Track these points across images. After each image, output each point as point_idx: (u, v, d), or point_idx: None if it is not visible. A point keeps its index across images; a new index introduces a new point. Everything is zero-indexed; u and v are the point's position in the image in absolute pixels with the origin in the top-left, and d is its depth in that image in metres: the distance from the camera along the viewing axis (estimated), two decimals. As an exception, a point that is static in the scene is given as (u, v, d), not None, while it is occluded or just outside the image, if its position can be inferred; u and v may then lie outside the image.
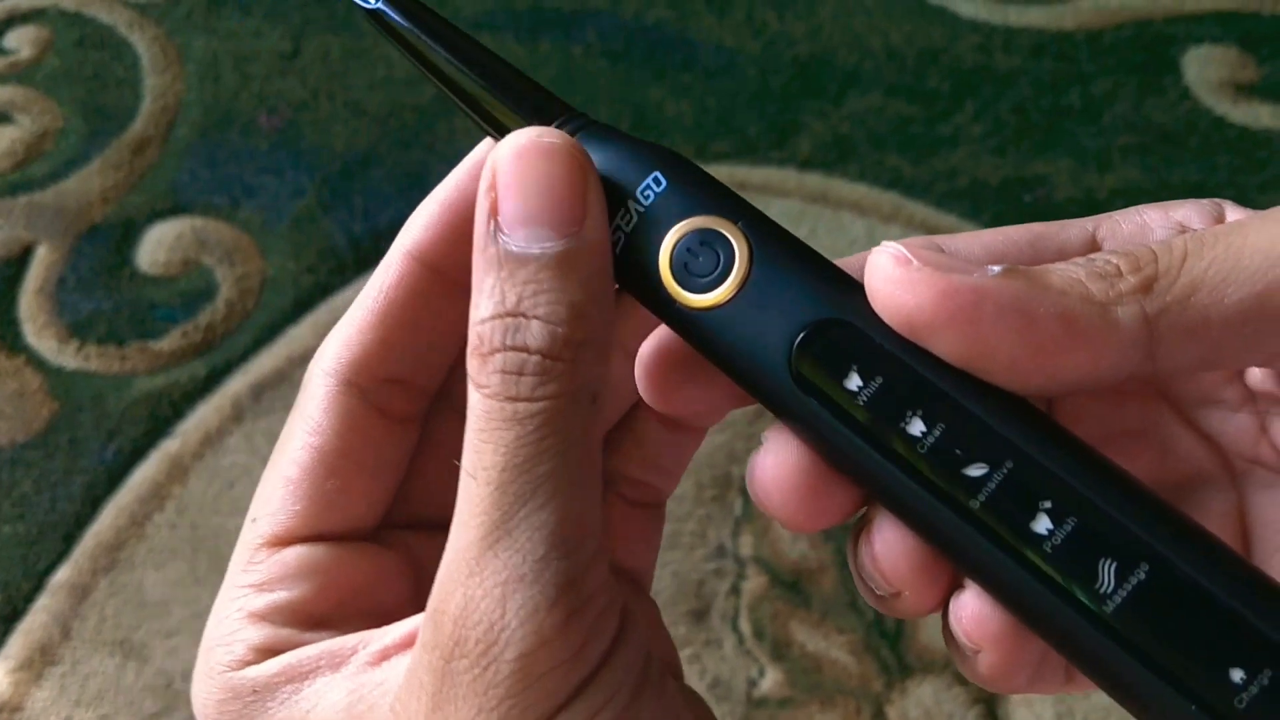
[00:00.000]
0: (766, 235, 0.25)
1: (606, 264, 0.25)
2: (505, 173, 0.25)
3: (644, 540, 0.33)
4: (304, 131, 1.05)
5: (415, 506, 0.32)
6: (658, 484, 0.33)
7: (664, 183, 0.26)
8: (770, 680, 0.76)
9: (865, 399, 0.23)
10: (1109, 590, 0.21)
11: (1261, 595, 0.21)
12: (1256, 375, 0.27)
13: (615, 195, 0.26)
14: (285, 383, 0.89)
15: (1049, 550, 0.21)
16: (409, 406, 0.31)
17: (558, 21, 1.13)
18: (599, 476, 0.26)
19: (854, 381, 0.23)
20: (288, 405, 0.89)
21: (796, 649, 0.77)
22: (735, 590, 0.79)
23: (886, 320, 0.24)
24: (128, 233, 0.98)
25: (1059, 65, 1.09)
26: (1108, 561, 0.21)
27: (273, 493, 0.30)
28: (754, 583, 0.79)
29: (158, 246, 0.97)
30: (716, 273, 0.25)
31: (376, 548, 0.31)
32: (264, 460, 0.85)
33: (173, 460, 0.86)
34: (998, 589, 0.23)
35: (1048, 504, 0.22)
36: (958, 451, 0.22)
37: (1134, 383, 0.24)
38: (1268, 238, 0.22)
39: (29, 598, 0.80)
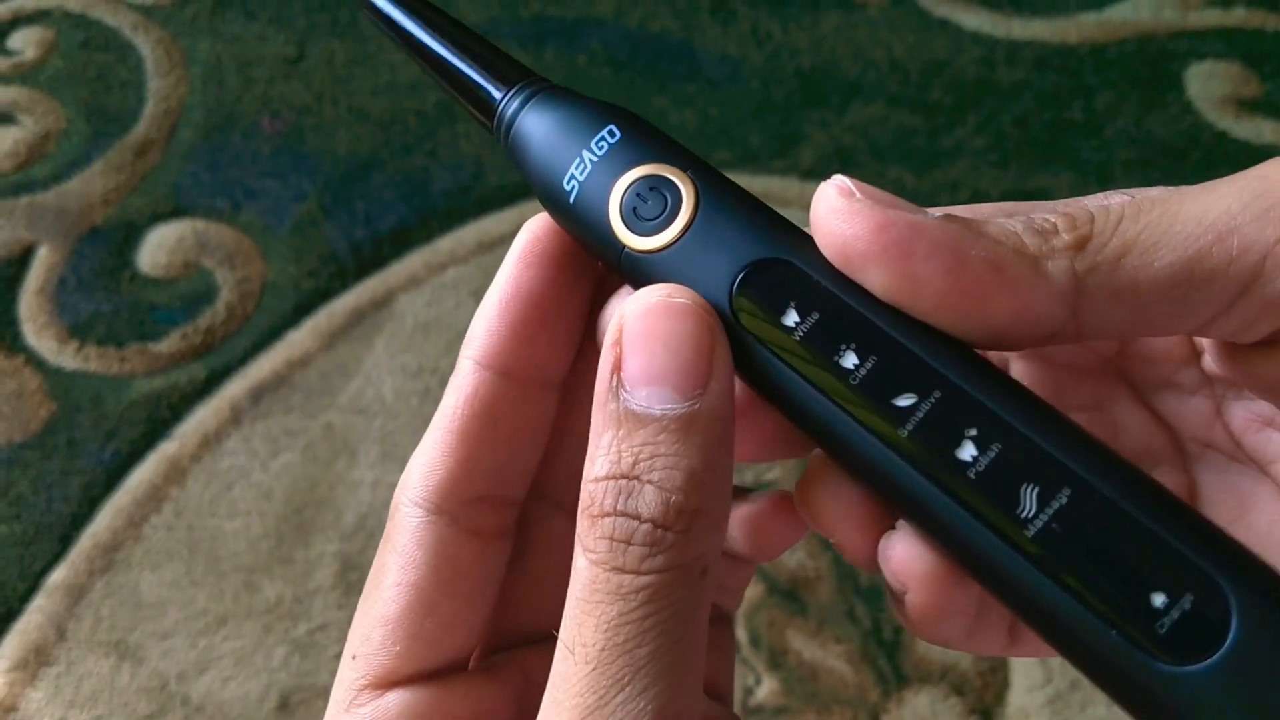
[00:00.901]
0: (713, 182, 0.26)
1: (729, 432, 0.24)
2: (632, 329, 0.24)
3: (722, 654, 0.33)
4: (306, 136, 1.05)
5: (515, 620, 0.32)
6: (727, 605, 0.34)
7: (618, 134, 0.26)
8: (767, 689, 0.76)
9: (801, 334, 0.24)
10: (1030, 515, 0.21)
11: (1183, 521, 0.21)
12: (1212, 360, 0.27)
13: (570, 147, 0.27)
14: (284, 386, 0.89)
15: (973, 477, 0.22)
16: (500, 522, 0.30)
17: (561, 30, 1.13)
18: (703, 656, 0.24)
19: (791, 317, 0.24)
20: (286, 408, 0.89)
21: (793, 658, 0.77)
22: (732, 599, 0.78)
23: (824, 249, 0.24)
24: (129, 234, 0.98)
25: (1062, 79, 1.09)
26: (1030, 487, 0.22)
27: (371, 631, 0.29)
28: (751, 591, 0.79)
29: (158, 249, 0.97)
30: (663, 216, 0.26)
31: (479, 679, 0.30)
32: (262, 463, 0.85)
33: (170, 462, 0.86)
34: (924, 520, 0.23)
35: (973, 432, 0.22)
36: (888, 383, 0.23)
37: (1062, 342, 0.24)
38: (1202, 206, 0.23)
39: (24, 598, 0.80)
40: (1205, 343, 0.28)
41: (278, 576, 0.81)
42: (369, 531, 0.83)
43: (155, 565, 0.81)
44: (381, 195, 1.01)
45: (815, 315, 0.24)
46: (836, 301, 0.24)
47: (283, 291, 0.95)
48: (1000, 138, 1.05)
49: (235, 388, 0.89)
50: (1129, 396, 0.29)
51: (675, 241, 0.26)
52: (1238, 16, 1.13)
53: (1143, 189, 0.24)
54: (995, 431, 0.22)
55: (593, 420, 0.25)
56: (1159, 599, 0.20)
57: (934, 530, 0.23)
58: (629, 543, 0.23)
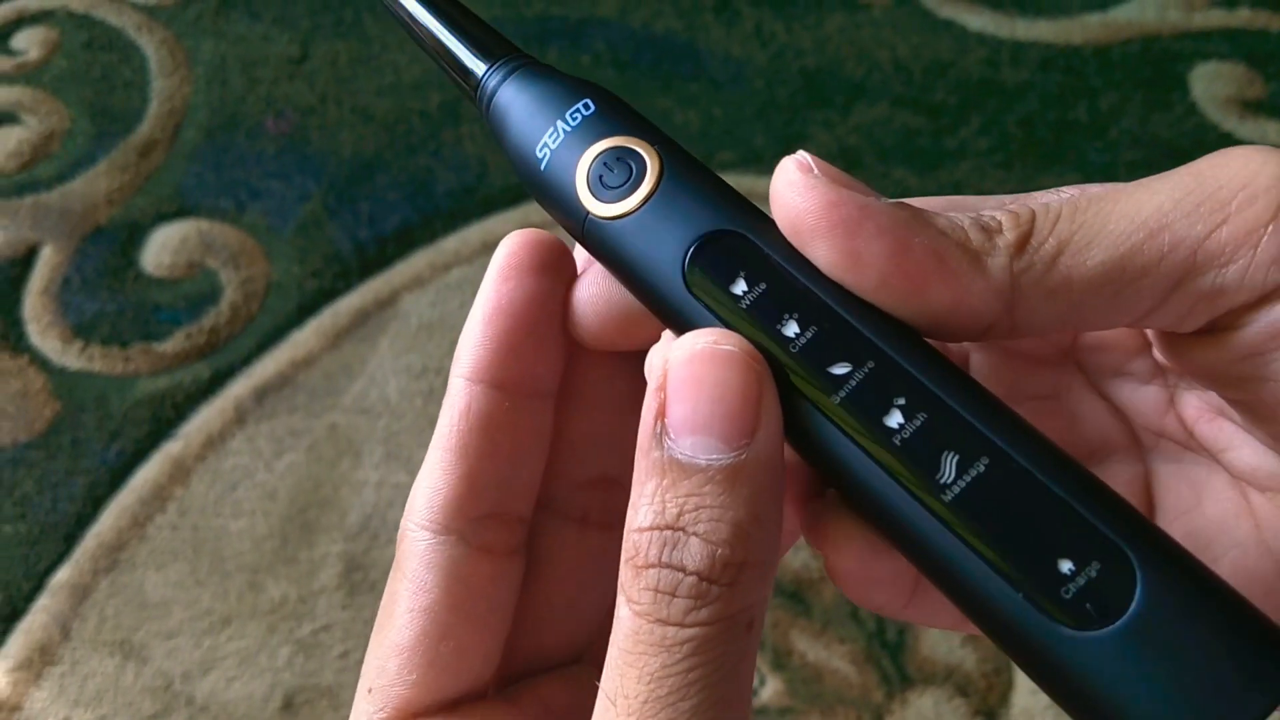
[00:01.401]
0: (679, 158, 0.27)
1: (777, 483, 0.24)
2: (677, 375, 0.24)
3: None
4: (310, 136, 1.05)
5: (531, 641, 0.31)
6: None
7: (592, 108, 0.27)
8: (771, 689, 0.76)
9: (748, 303, 0.25)
10: (949, 481, 0.22)
11: (1094, 493, 0.22)
12: (1155, 349, 0.28)
13: (546, 117, 0.28)
14: (288, 386, 0.89)
15: (898, 443, 0.23)
16: (510, 539, 0.30)
17: (565, 30, 1.13)
18: (748, 710, 0.24)
19: (739, 287, 0.25)
20: (290, 408, 0.89)
21: (797, 658, 0.77)
22: (736, 600, 0.78)
23: (778, 220, 0.25)
24: (133, 234, 0.98)
25: (1066, 80, 1.09)
26: (951, 455, 0.22)
27: (386, 662, 0.29)
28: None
29: (163, 249, 0.97)
30: (627, 184, 0.26)
31: (499, 709, 0.30)
32: (266, 463, 0.85)
33: (175, 462, 0.86)
34: (849, 484, 0.24)
35: (901, 400, 0.23)
36: (825, 352, 0.24)
37: (999, 337, 0.25)
38: (1135, 204, 0.23)
39: (29, 597, 0.80)
40: (1149, 333, 0.28)
41: (282, 576, 0.81)
42: (373, 532, 0.83)
43: (160, 565, 0.81)
44: (385, 195, 1.01)
45: (762, 286, 0.25)
46: (783, 274, 0.25)
47: (287, 291, 0.95)
48: (1004, 139, 1.05)
49: (239, 388, 0.89)
50: (1085, 386, 0.30)
51: (636, 209, 0.26)
52: (1242, 17, 1.13)
53: (1087, 185, 0.25)
54: (922, 402, 0.23)
55: (635, 466, 0.24)
56: (1066, 565, 0.21)
57: (858, 494, 0.24)
58: (674, 595, 0.23)
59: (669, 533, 0.23)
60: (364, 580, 0.81)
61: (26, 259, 0.97)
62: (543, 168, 0.28)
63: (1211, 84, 1.08)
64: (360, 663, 0.80)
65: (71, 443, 0.87)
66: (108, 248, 0.97)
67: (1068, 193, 0.25)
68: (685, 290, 0.26)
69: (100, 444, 0.87)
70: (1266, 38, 1.12)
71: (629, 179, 0.27)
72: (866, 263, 0.24)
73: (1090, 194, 0.24)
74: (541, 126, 0.28)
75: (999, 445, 0.22)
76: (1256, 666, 0.20)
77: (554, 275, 0.29)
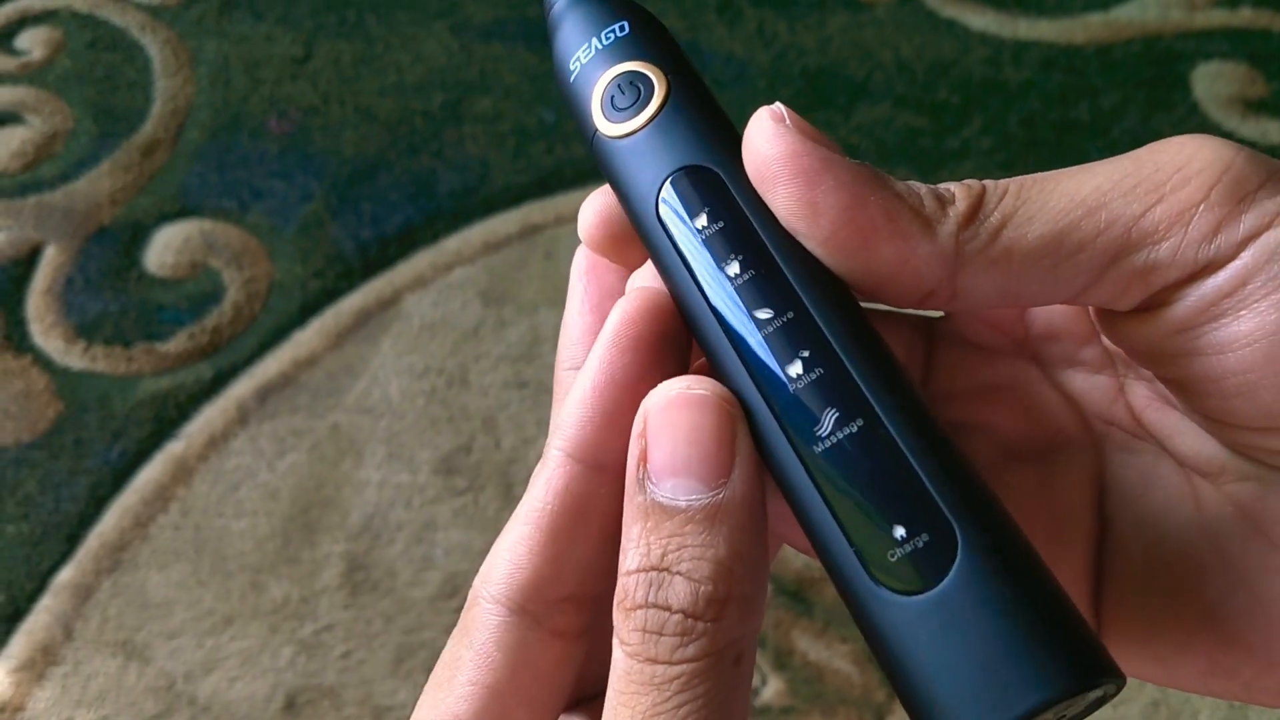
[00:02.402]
0: (688, 93, 0.28)
1: (756, 518, 0.25)
2: (655, 421, 0.25)
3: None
4: (313, 136, 1.05)
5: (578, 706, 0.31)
6: None
7: (626, 30, 0.29)
8: (772, 689, 0.76)
9: (703, 237, 0.26)
10: (824, 434, 0.24)
11: (948, 469, 0.23)
12: (1096, 327, 0.29)
13: (585, 33, 0.29)
14: (290, 386, 0.90)
15: (792, 391, 0.24)
16: (582, 621, 0.29)
17: (568, 30, 1.13)
18: None
19: (701, 221, 0.26)
20: (292, 408, 0.89)
21: (799, 658, 0.77)
22: (738, 599, 0.79)
23: (745, 165, 0.26)
24: (136, 234, 0.98)
25: (1068, 79, 1.09)
26: (832, 411, 0.24)
27: None
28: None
29: (165, 249, 0.97)
30: (632, 108, 0.28)
31: None
32: (269, 463, 0.85)
33: (177, 462, 0.86)
34: (749, 419, 0.25)
35: (805, 353, 0.24)
36: (756, 296, 0.25)
37: (938, 305, 0.26)
38: (1077, 183, 0.25)
39: (32, 598, 0.80)
40: (1092, 313, 0.29)
41: (284, 576, 0.81)
42: (375, 532, 0.83)
43: (162, 565, 0.81)
44: (388, 196, 1.01)
45: (720, 224, 0.26)
46: (741, 217, 0.26)
47: (289, 292, 0.95)
48: (1007, 138, 1.05)
49: (242, 388, 0.90)
50: (1040, 377, 0.31)
51: (634, 133, 0.28)
52: (1244, 16, 1.13)
53: (1040, 173, 0.26)
54: (822, 359, 0.24)
55: (624, 512, 0.25)
56: (900, 532, 0.23)
57: (755, 431, 0.25)
58: (660, 634, 0.24)
59: (654, 574, 0.24)
60: (366, 580, 0.81)
61: (30, 259, 0.97)
62: (571, 80, 0.29)
63: (1213, 84, 1.08)
64: (362, 663, 0.80)
65: (74, 443, 0.87)
66: (111, 248, 0.97)
67: (1018, 177, 0.26)
68: (655, 215, 0.27)
69: (103, 444, 0.87)
70: (1269, 37, 1.11)
71: (635, 102, 0.28)
72: (821, 213, 0.25)
73: (1038, 175, 0.25)
74: (579, 41, 0.29)
75: (875, 411, 0.24)
76: (1046, 661, 0.21)
77: (669, 346, 0.28)
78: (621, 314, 0.27)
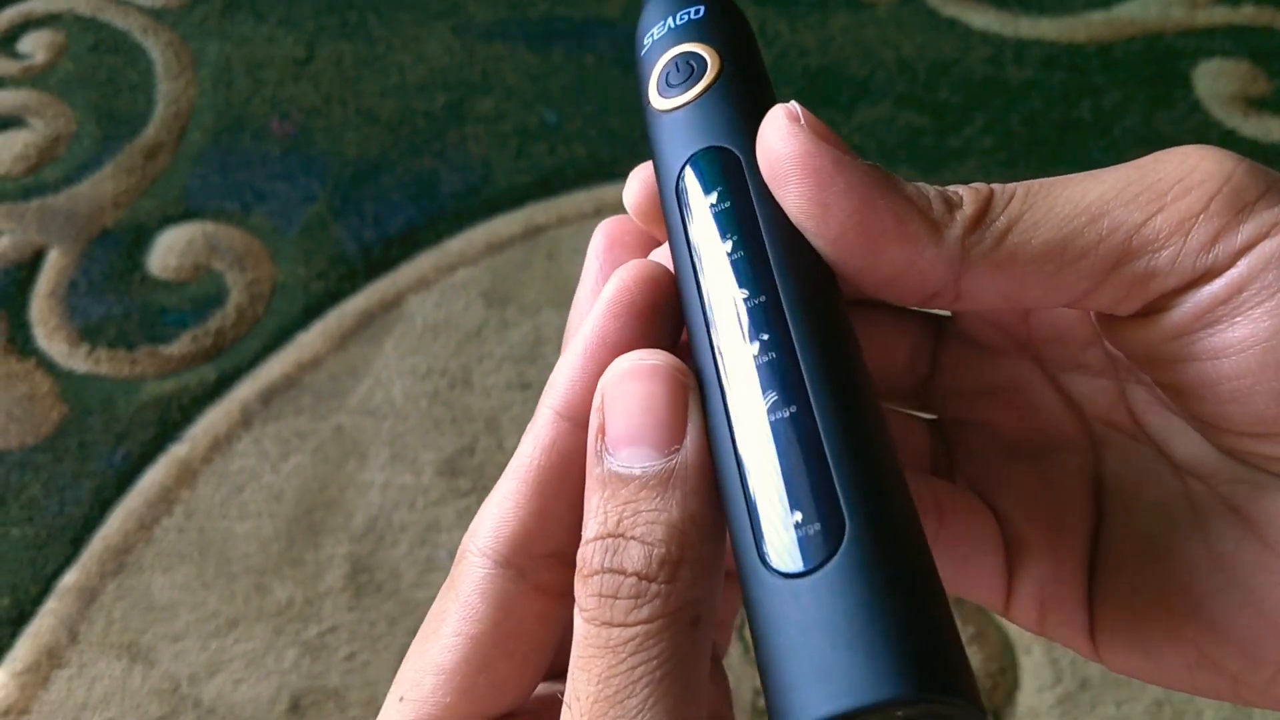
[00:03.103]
0: (738, 79, 0.29)
1: (710, 483, 0.25)
2: (611, 393, 0.25)
3: (721, 693, 0.33)
4: (316, 137, 1.05)
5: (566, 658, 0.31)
6: (717, 643, 0.33)
7: (700, 14, 0.30)
8: (776, 690, 0.76)
9: (712, 213, 0.27)
10: (757, 415, 0.25)
11: (860, 474, 0.24)
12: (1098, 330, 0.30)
13: (665, 12, 0.31)
14: (294, 388, 0.90)
15: (744, 368, 0.25)
16: (566, 578, 0.29)
17: (570, 31, 1.13)
18: (701, 705, 0.25)
19: (711, 199, 0.27)
20: (296, 410, 0.89)
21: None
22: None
23: (760, 162, 0.27)
24: (139, 237, 0.98)
25: (1070, 78, 1.09)
26: (772, 394, 0.25)
27: (423, 678, 0.28)
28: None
29: (169, 251, 0.97)
30: (680, 86, 0.29)
31: None
32: (272, 465, 0.85)
33: (181, 464, 0.86)
34: (700, 382, 0.26)
35: (765, 336, 0.25)
36: (739, 275, 0.26)
37: (942, 305, 0.27)
38: (1081, 190, 0.25)
39: (37, 601, 0.80)
40: (1093, 317, 0.30)
41: (288, 578, 0.81)
42: (379, 533, 0.83)
43: (166, 567, 0.82)
44: (390, 197, 1.01)
45: (727, 204, 0.27)
46: (747, 202, 0.27)
47: (292, 293, 0.95)
48: (1008, 137, 1.05)
49: (245, 390, 0.90)
50: (1042, 378, 0.31)
51: (677, 109, 0.29)
52: (1246, 14, 1.13)
53: (1041, 179, 0.26)
54: (777, 344, 0.25)
55: (586, 485, 0.26)
56: (797, 516, 0.23)
57: (703, 394, 0.26)
58: (616, 597, 0.24)
59: (611, 540, 0.24)
60: (370, 582, 0.81)
61: (33, 262, 0.97)
62: (642, 53, 0.31)
63: (1215, 81, 1.08)
64: (366, 664, 0.80)
65: (78, 446, 0.87)
66: (114, 250, 0.98)
67: (1025, 181, 0.26)
68: (675, 187, 0.28)
69: (107, 447, 0.87)
70: (1270, 34, 1.11)
71: (686, 80, 0.29)
72: (831, 214, 0.26)
73: (1044, 180, 0.26)
74: (658, 19, 0.31)
75: (809, 402, 0.24)
76: (892, 664, 0.21)
77: (663, 316, 0.28)
78: (618, 282, 0.28)
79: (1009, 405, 0.31)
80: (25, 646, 0.78)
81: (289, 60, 1.11)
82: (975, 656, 0.77)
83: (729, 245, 0.27)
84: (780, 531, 0.23)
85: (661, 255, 0.30)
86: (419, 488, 0.85)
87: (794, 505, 0.23)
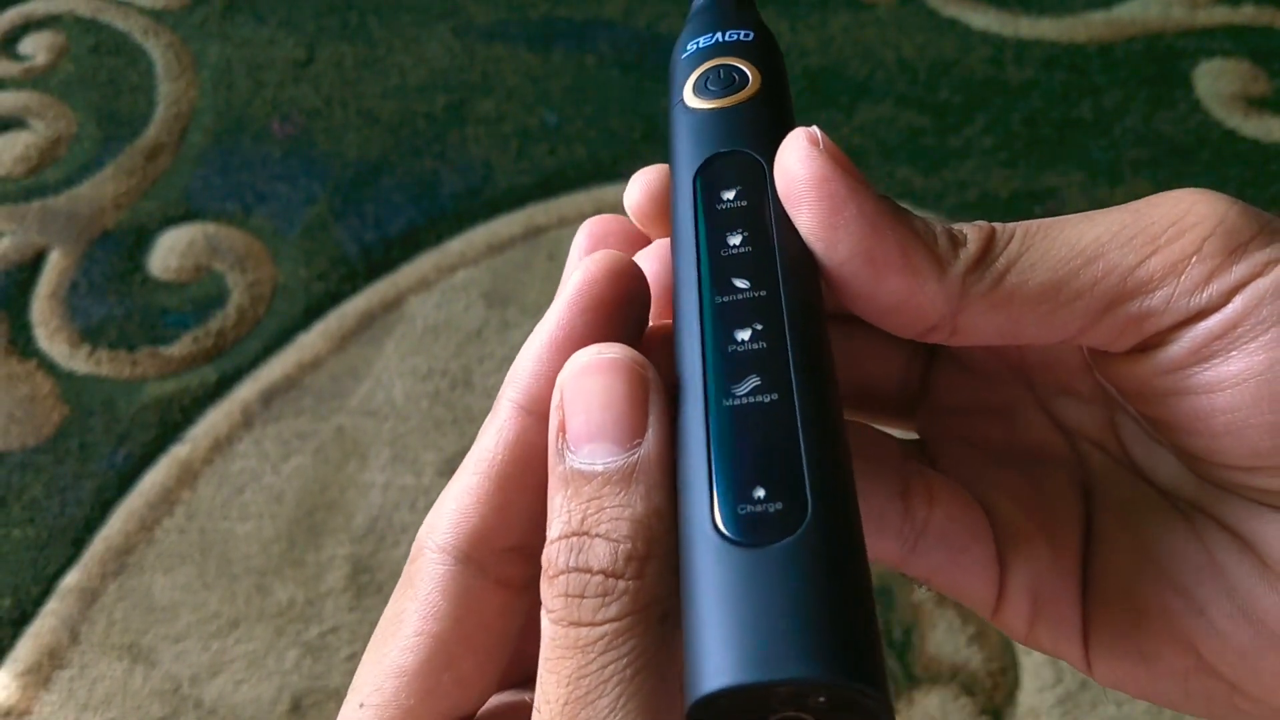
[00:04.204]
0: (772, 101, 0.31)
1: (673, 476, 0.25)
2: (570, 390, 0.25)
3: None
4: (316, 139, 1.05)
5: (524, 667, 0.31)
6: None
7: (750, 38, 0.32)
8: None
9: (723, 207, 0.28)
10: (739, 394, 0.25)
11: (828, 464, 0.24)
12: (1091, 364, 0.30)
13: (715, 24, 0.33)
14: (295, 389, 0.90)
15: (730, 351, 0.26)
16: (529, 572, 0.29)
17: (570, 31, 1.13)
18: (675, 702, 0.24)
19: (730, 195, 0.28)
20: (297, 411, 0.89)
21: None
22: (742, 600, 0.79)
23: (776, 180, 0.28)
24: (140, 238, 0.98)
25: (1070, 78, 1.09)
26: (755, 378, 0.25)
27: (384, 681, 0.28)
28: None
29: (170, 252, 0.98)
30: (716, 93, 0.31)
31: None
32: (273, 466, 0.85)
33: (182, 465, 0.86)
34: (680, 365, 0.27)
35: (759, 326, 0.26)
36: (741, 267, 0.27)
37: (939, 339, 0.27)
38: (1078, 233, 0.26)
39: (38, 601, 0.80)
40: (1085, 351, 0.30)
41: (289, 579, 0.81)
42: (380, 534, 0.83)
43: (167, 568, 0.82)
44: (391, 198, 1.01)
45: (744, 203, 0.28)
46: (763, 206, 0.28)
47: (293, 294, 0.95)
48: (1009, 137, 1.05)
49: (246, 390, 0.90)
50: (1033, 402, 0.32)
51: (709, 110, 0.30)
52: (1246, 14, 1.13)
53: (1039, 219, 0.27)
54: (771, 335, 0.26)
55: (549, 485, 0.25)
56: (760, 493, 0.24)
57: (677, 364, 0.27)
58: (583, 596, 0.24)
59: (575, 539, 0.24)
60: (371, 582, 0.81)
61: (34, 263, 0.97)
62: (682, 56, 0.32)
63: (1215, 81, 1.08)
64: (367, 665, 0.80)
65: (79, 447, 0.87)
66: (115, 251, 0.98)
67: (1024, 222, 0.27)
68: (696, 177, 0.29)
69: (108, 448, 0.87)
70: (1271, 34, 1.11)
71: (725, 88, 0.31)
72: (840, 239, 0.26)
73: (1044, 222, 0.26)
74: (706, 30, 0.33)
75: (792, 392, 0.25)
76: (812, 645, 0.22)
77: (629, 311, 0.28)
78: (585, 273, 0.28)
79: (998, 424, 0.32)
80: (26, 647, 0.78)
81: (290, 62, 1.11)
82: (975, 657, 0.77)
83: (738, 239, 0.27)
84: (738, 504, 0.24)
85: (644, 257, 0.30)
86: (420, 488, 0.85)
87: (760, 482, 0.24)
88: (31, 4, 1.15)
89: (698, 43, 0.33)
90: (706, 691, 0.22)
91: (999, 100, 1.07)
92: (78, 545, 0.83)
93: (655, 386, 0.25)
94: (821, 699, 0.22)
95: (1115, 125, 1.05)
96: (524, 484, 0.27)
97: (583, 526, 0.24)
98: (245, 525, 0.83)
